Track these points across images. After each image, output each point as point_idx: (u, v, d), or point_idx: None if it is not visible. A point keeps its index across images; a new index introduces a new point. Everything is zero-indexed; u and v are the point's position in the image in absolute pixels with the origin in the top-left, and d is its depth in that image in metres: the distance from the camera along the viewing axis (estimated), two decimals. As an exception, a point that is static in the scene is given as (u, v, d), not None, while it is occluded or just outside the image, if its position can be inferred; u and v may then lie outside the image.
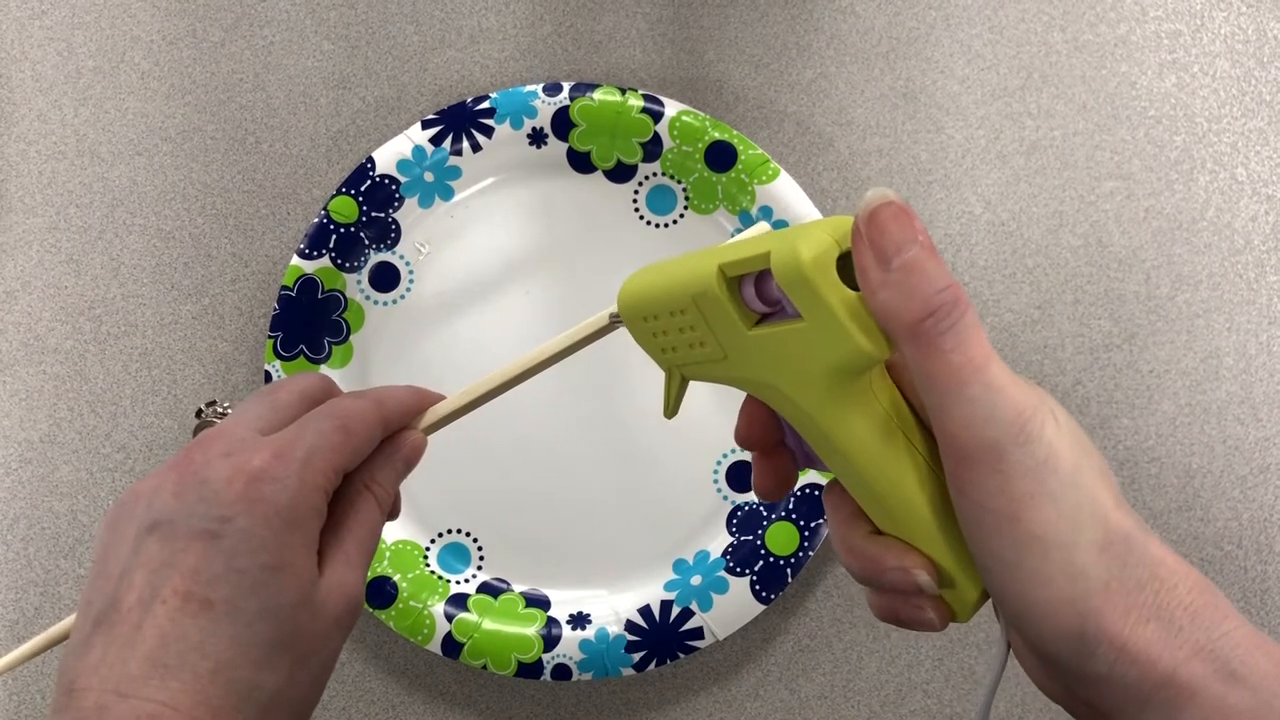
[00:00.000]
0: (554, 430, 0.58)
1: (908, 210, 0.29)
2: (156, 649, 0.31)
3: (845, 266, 0.30)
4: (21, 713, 0.58)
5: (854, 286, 0.30)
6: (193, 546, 0.32)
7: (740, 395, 0.35)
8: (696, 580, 0.57)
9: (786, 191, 0.57)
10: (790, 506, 0.56)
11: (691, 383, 0.35)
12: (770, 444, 0.35)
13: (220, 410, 0.38)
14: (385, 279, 0.59)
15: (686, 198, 0.59)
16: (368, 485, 0.37)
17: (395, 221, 0.58)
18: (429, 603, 0.56)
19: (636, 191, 0.59)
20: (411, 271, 0.59)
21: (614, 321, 0.37)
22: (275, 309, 0.57)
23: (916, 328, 0.28)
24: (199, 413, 0.39)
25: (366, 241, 0.58)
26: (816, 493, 0.56)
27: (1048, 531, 0.29)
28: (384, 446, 0.38)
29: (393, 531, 0.58)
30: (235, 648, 0.31)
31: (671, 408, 0.37)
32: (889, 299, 0.28)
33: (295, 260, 0.57)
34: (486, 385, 0.39)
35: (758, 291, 0.32)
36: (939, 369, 0.29)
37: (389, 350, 0.58)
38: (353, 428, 0.36)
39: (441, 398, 0.40)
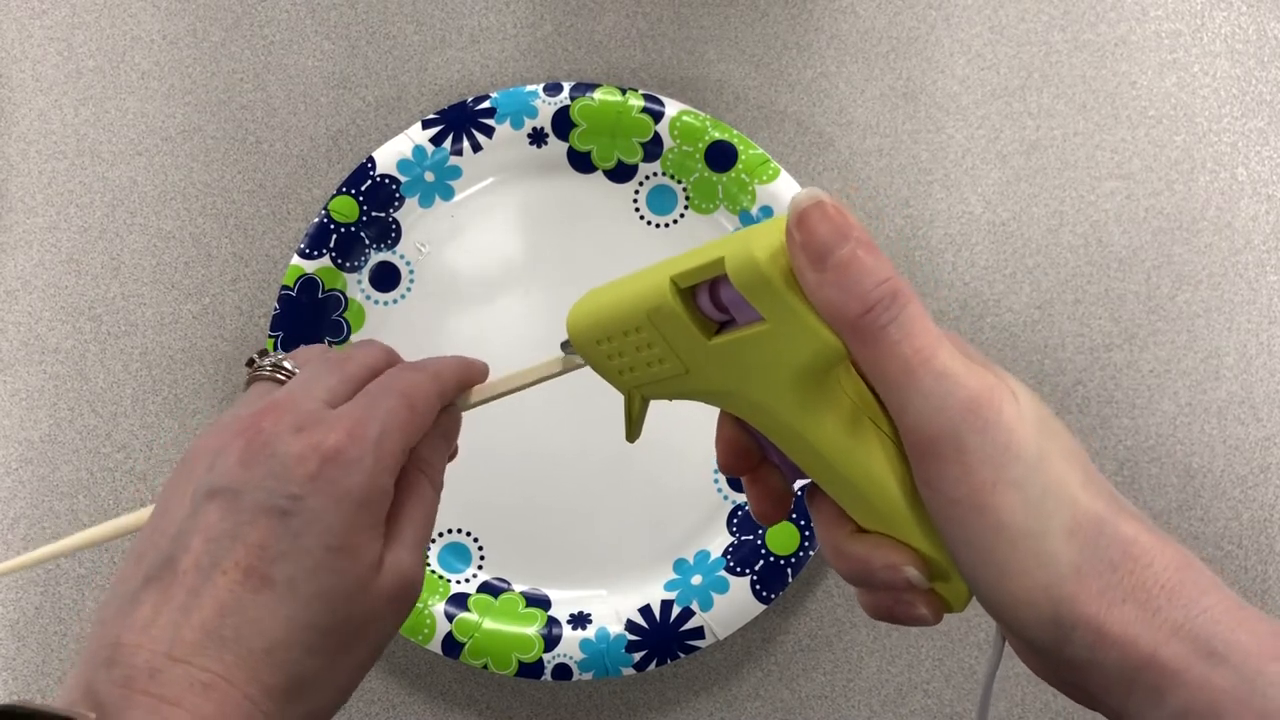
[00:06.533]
0: (554, 430, 0.58)
1: (839, 208, 0.28)
2: (213, 619, 0.31)
3: None
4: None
5: None
6: (259, 521, 0.32)
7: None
8: (697, 580, 0.57)
9: (787, 191, 0.57)
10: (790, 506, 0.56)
11: None
12: (754, 464, 0.35)
13: (275, 362, 0.38)
14: (386, 279, 0.59)
15: (687, 197, 0.59)
16: (421, 469, 0.36)
17: (395, 221, 0.58)
18: (429, 602, 0.56)
19: (637, 191, 0.59)
20: (412, 271, 0.59)
21: (564, 352, 0.37)
22: (275, 309, 0.57)
23: (857, 323, 0.28)
24: (250, 362, 0.38)
25: (367, 241, 0.58)
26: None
27: (1014, 519, 0.28)
28: (432, 428, 0.37)
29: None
30: (291, 628, 0.31)
31: (634, 431, 0.36)
32: (828, 298, 0.28)
33: (295, 260, 0.57)
34: (519, 380, 0.39)
35: (713, 299, 0.31)
36: (887, 363, 0.29)
37: (389, 350, 0.58)
38: (418, 405, 0.35)
39: (485, 366, 0.40)
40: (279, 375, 0.37)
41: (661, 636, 0.56)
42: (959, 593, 0.32)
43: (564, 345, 0.36)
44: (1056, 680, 0.31)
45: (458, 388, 0.38)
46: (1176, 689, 0.27)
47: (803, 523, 0.56)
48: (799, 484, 0.35)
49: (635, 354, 0.33)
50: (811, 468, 0.32)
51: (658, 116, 0.57)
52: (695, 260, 0.30)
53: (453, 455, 0.40)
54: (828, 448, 0.31)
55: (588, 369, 0.37)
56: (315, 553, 0.32)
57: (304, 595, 0.32)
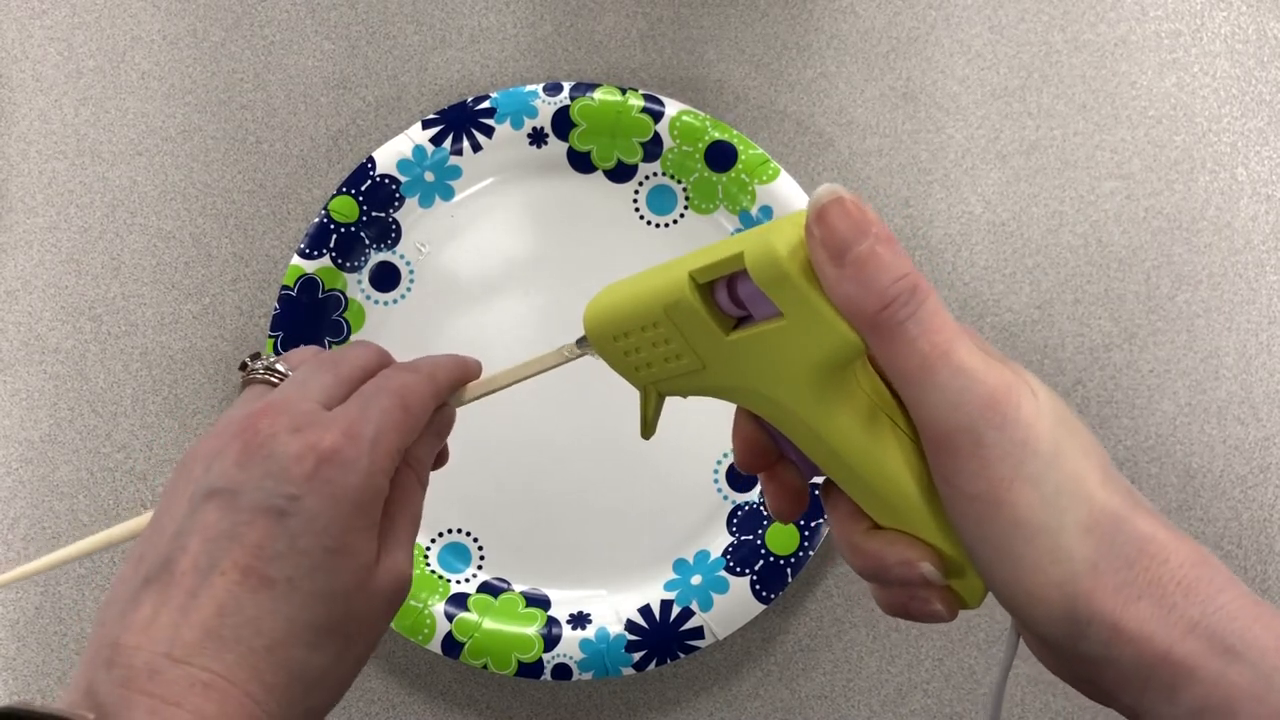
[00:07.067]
0: (554, 429, 0.58)
1: (858, 204, 0.28)
2: (212, 619, 0.31)
3: None
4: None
5: None
6: (257, 521, 0.32)
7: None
8: (696, 580, 0.57)
9: (787, 191, 0.57)
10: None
11: None
12: (770, 461, 0.35)
13: (268, 364, 0.38)
14: (386, 279, 0.59)
15: (687, 198, 0.59)
16: (409, 464, 0.37)
17: (395, 221, 0.58)
18: (429, 602, 0.56)
19: (637, 191, 0.59)
20: (412, 271, 0.59)
21: (580, 349, 0.37)
22: (275, 309, 0.57)
23: (876, 319, 0.28)
24: (243, 365, 0.38)
25: (367, 241, 0.58)
26: (817, 491, 0.56)
27: (1031, 515, 0.28)
28: (427, 424, 0.38)
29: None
30: (290, 627, 0.31)
31: (649, 427, 0.36)
32: (847, 294, 0.28)
33: (295, 260, 0.57)
34: (513, 375, 0.39)
35: (731, 295, 0.31)
36: (906, 358, 0.29)
37: (389, 350, 0.58)
38: (412, 406, 0.35)
39: (479, 364, 0.40)
40: (272, 378, 0.37)
41: (661, 636, 0.56)
42: (974, 589, 0.32)
43: (580, 341, 0.36)
44: (1070, 676, 0.31)
45: (451, 386, 0.39)
46: (1192, 685, 0.27)
47: (802, 523, 0.56)
48: (814, 480, 0.35)
49: (652, 350, 0.33)
50: (828, 464, 0.32)
51: (658, 116, 0.57)
52: (714, 255, 0.30)
53: (443, 461, 0.40)
54: (844, 444, 0.31)
55: (575, 363, 0.37)
56: (314, 553, 0.32)
57: (303, 594, 0.32)
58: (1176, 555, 0.28)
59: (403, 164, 0.58)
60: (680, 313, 0.32)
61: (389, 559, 0.34)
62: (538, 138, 0.58)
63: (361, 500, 0.33)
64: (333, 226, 0.57)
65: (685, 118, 0.57)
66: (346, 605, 0.33)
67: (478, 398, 0.40)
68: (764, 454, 0.35)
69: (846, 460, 0.31)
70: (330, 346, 0.58)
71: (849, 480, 0.32)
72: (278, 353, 0.57)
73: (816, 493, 0.56)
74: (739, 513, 0.58)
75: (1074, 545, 0.28)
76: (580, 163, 0.59)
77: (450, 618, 0.56)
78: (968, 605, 0.33)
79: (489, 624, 0.56)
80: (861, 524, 0.33)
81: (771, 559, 0.56)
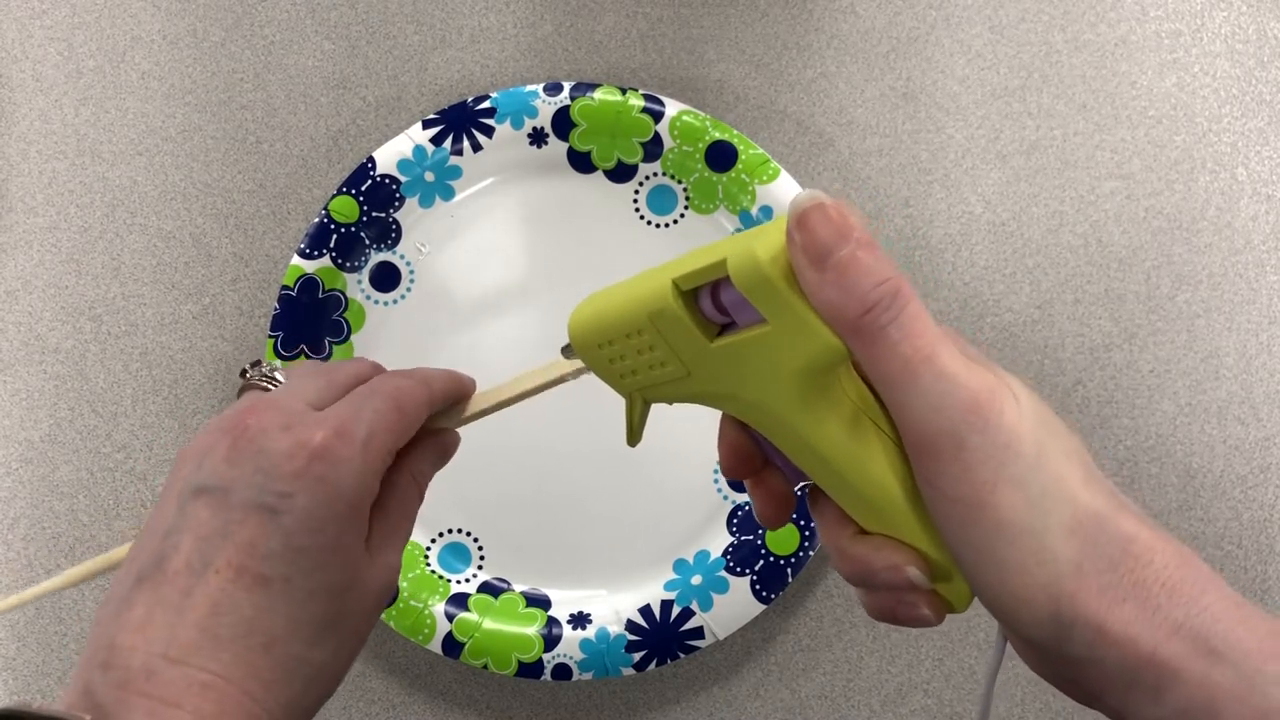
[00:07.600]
0: (555, 430, 0.58)
1: (840, 209, 0.28)
2: (207, 618, 0.31)
3: None
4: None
5: None
6: (249, 519, 0.32)
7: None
8: (697, 580, 0.57)
9: (787, 191, 0.57)
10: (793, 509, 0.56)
11: None
12: (756, 467, 0.35)
13: (266, 372, 0.38)
14: (386, 279, 0.59)
15: (687, 198, 0.59)
16: (414, 476, 0.37)
17: (396, 221, 0.58)
18: (429, 602, 0.56)
19: (637, 191, 0.59)
20: (412, 271, 0.59)
21: (567, 356, 0.37)
22: (275, 309, 0.57)
23: (858, 324, 0.28)
24: (243, 373, 0.38)
25: (367, 241, 0.58)
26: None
27: (1015, 518, 0.28)
28: (430, 441, 0.38)
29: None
30: (288, 625, 0.31)
31: (635, 434, 0.36)
32: (829, 299, 0.28)
33: (296, 260, 0.57)
34: (513, 390, 0.39)
35: (715, 301, 0.31)
36: (888, 363, 0.28)
37: (390, 350, 0.58)
38: (406, 408, 0.36)
39: (473, 381, 0.40)
40: (269, 385, 0.37)
41: (661, 636, 0.56)
42: (961, 593, 0.32)
43: (565, 349, 0.36)
44: (1056, 678, 0.31)
45: (446, 396, 0.39)
46: (1176, 687, 0.27)
47: (803, 523, 0.56)
48: (800, 486, 0.35)
49: (637, 357, 0.33)
50: (813, 470, 0.32)
51: (658, 116, 0.57)
52: (697, 262, 0.30)
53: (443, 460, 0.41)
54: (829, 449, 0.31)
55: (583, 377, 0.37)
56: (309, 551, 0.32)
57: (299, 593, 0.32)
58: (1160, 556, 0.28)
59: (403, 164, 0.58)
60: (664, 320, 0.31)
61: (382, 558, 0.34)
62: (538, 138, 0.58)
63: (354, 499, 0.33)
64: (333, 226, 0.57)
65: (685, 118, 0.57)
66: (343, 601, 0.33)
67: (478, 416, 0.40)
68: (749, 460, 0.35)
69: (832, 465, 0.31)
70: (330, 347, 0.58)
71: (835, 485, 0.32)
72: (278, 353, 0.57)
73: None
74: (739, 513, 0.58)
75: (1058, 547, 0.28)
76: (580, 163, 0.59)
77: (450, 618, 0.56)
78: (954, 609, 0.33)
79: (489, 624, 0.56)
80: (848, 529, 0.33)
81: (771, 559, 0.56)
